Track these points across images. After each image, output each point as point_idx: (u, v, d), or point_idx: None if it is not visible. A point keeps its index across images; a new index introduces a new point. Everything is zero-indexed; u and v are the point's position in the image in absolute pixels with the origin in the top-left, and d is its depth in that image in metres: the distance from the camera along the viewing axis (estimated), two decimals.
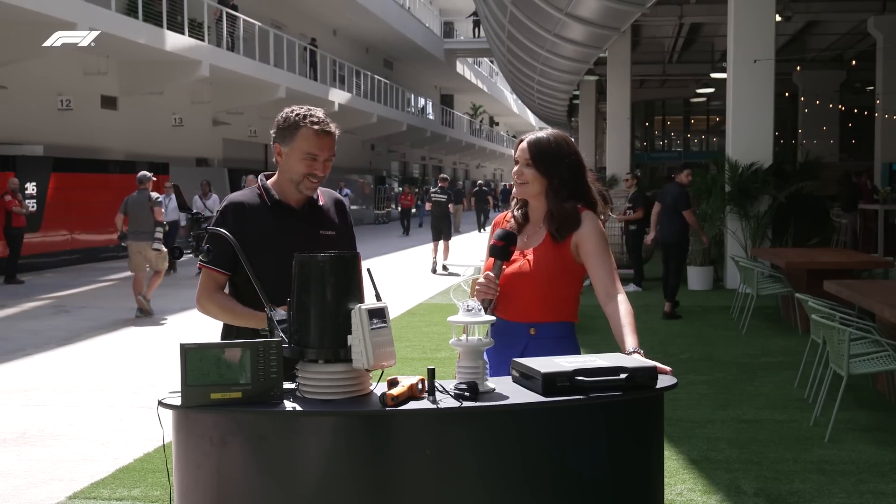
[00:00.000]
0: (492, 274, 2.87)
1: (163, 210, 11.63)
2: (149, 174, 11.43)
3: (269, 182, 2.98)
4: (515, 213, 3.06)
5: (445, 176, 18.44)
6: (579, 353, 2.87)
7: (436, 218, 17.09)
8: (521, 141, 3.03)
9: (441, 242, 17.00)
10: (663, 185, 11.36)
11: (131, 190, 11.36)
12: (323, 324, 2.25)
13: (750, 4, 13.13)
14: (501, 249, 2.88)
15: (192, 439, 2.26)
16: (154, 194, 11.31)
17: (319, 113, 2.90)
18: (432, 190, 18.29)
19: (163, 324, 10.46)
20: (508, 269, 2.93)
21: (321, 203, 3.01)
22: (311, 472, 2.18)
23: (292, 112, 2.89)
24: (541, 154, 2.96)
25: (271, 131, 2.95)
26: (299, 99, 26.13)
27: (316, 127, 2.86)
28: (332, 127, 2.91)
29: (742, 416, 5.99)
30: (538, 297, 2.89)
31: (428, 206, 17.74)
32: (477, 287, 2.87)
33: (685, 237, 10.56)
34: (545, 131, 3.04)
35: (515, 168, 3.03)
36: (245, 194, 2.97)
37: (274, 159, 2.96)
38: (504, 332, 2.87)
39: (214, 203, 15.66)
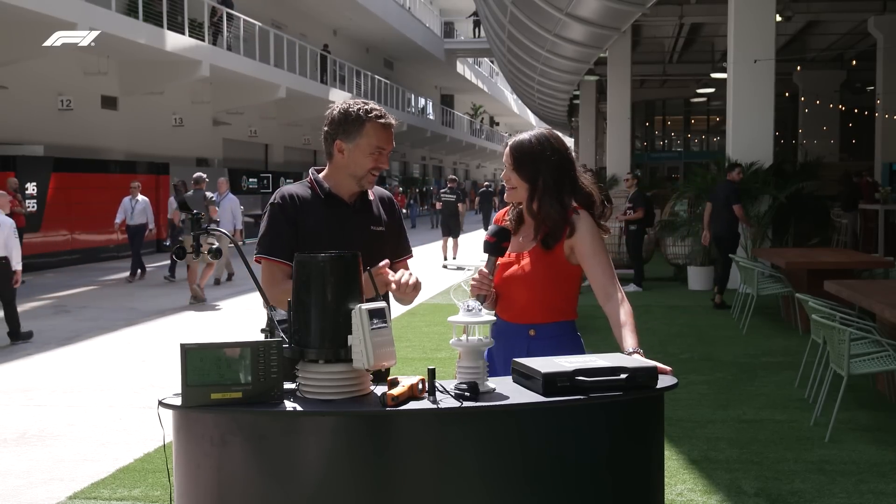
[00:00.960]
0: (485, 270, 2.87)
1: (217, 209, 12.91)
2: (203, 175, 12.97)
3: (321, 176, 2.98)
4: (511, 213, 3.04)
5: (454, 177, 19.48)
6: (583, 350, 2.87)
7: (445, 216, 18.13)
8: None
9: (450, 239, 17.92)
10: (715, 185, 11.83)
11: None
12: (323, 324, 2.25)
13: (750, 4, 13.13)
14: (494, 245, 2.87)
15: (192, 439, 2.26)
16: (209, 193, 12.69)
17: (378, 106, 2.92)
18: (442, 190, 19.44)
19: (164, 324, 10.46)
20: (506, 273, 2.92)
21: (371, 198, 3.03)
22: (312, 472, 2.18)
23: (351, 107, 2.89)
24: (521, 157, 2.92)
25: (324, 128, 2.92)
26: (300, 99, 26.19)
27: (382, 121, 2.88)
28: (393, 119, 2.94)
29: (742, 416, 5.98)
30: (535, 300, 2.88)
31: (438, 205, 19.08)
32: (472, 283, 2.86)
33: (736, 231, 11.26)
34: (529, 132, 2.99)
35: (504, 172, 3.01)
36: (296, 187, 2.96)
37: (331, 155, 2.94)
38: (505, 332, 2.87)
39: None
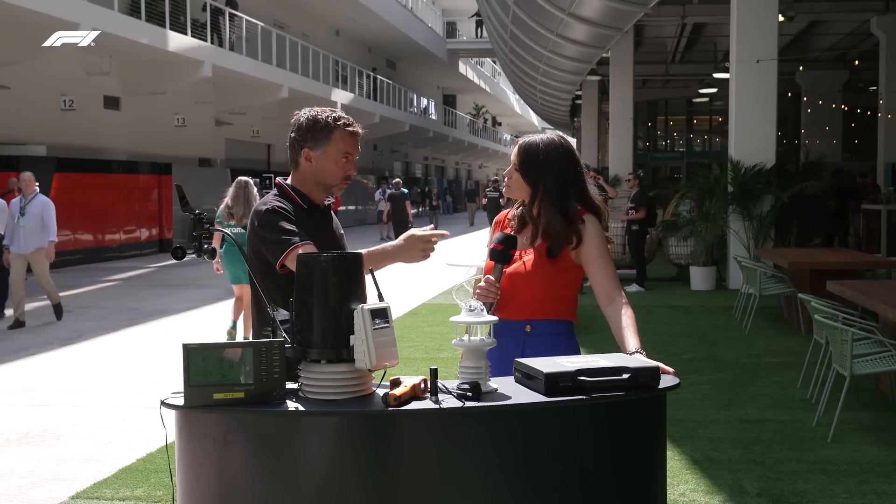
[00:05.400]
0: (492, 277, 2.85)
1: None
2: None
3: (295, 185, 2.96)
4: (515, 211, 3.03)
5: (497, 177, 22.95)
6: (578, 351, 2.87)
7: (490, 210, 22.20)
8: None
9: None
10: None
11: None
12: (325, 324, 2.25)
13: (753, 4, 13.12)
14: (501, 253, 2.85)
15: (194, 439, 2.26)
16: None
17: (343, 114, 2.95)
18: (487, 189, 24.22)
19: (166, 324, 10.47)
20: (508, 270, 2.92)
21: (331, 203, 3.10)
22: (314, 472, 2.18)
23: (318, 115, 2.89)
24: (527, 160, 2.93)
25: (291, 134, 2.92)
26: (301, 99, 26.16)
27: (350, 129, 2.91)
28: (360, 127, 2.99)
29: (745, 417, 5.98)
30: (535, 298, 2.87)
31: (484, 201, 24.10)
32: (478, 290, 2.85)
33: None
34: (539, 135, 3.00)
35: (508, 168, 3.02)
36: (279, 200, 2.90)
37: (296, 163, 2.93)
38: (501, 331, 2.86)
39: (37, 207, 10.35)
